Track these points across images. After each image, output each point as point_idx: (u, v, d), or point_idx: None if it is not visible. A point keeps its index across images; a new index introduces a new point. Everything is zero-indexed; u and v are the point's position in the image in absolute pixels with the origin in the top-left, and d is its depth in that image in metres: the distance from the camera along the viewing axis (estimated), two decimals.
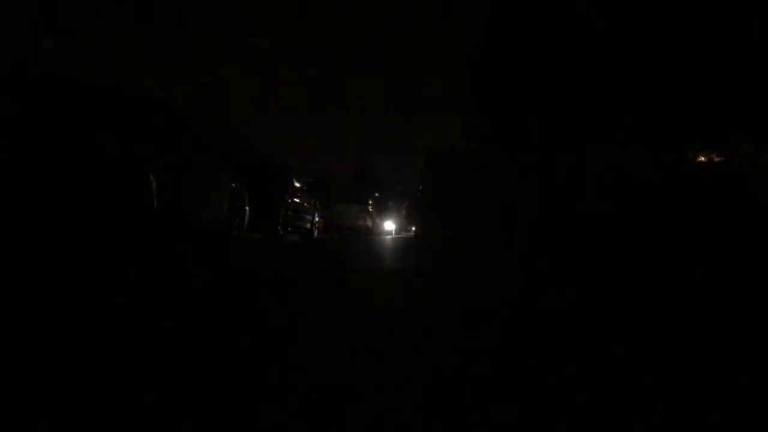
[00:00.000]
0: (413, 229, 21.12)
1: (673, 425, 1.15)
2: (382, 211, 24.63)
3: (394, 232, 24.92)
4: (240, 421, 1.06)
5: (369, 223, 19.81)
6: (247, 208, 6.84)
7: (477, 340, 1.92)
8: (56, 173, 3.37)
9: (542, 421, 1.12)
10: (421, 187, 11.27)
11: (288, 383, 1.32)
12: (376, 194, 24.87)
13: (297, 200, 9.50)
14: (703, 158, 12.97)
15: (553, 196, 9.90)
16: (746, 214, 9.04)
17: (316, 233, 10.83)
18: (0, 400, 1.12)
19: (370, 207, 20.40)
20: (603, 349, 1.85)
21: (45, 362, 1.40)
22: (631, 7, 12.22)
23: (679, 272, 5.71)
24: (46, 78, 4.25)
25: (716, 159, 12.77)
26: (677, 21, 11.72)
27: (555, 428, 1.10)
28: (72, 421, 1.03)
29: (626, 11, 12.25)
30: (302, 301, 2.77)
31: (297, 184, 9.64)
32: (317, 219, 11.16)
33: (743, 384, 1.48)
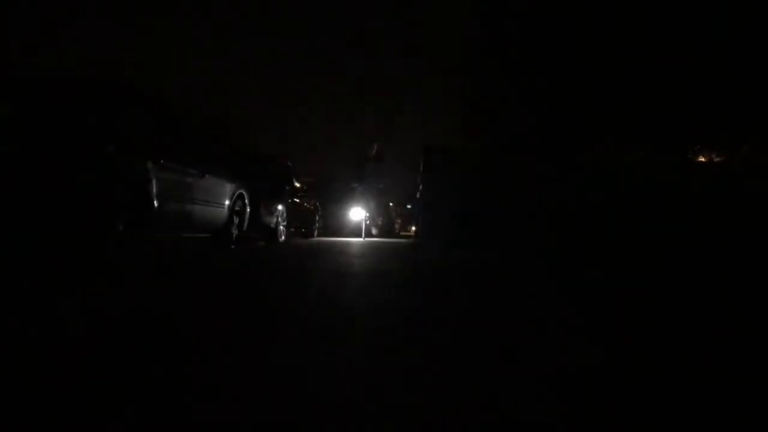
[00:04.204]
0: (413, 228, 21.09)
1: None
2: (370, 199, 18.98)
3: (364, 233, 14.05)
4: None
5: (368, 222, 19.86)
6: (247, 208, 6.85)
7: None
8: (56, 173, 3.37)
9: None
10: (420, 187, 11.29)
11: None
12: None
13: (297, 200, 9.51)
14: (703, 158, 12.96)
15: (551, 196, 9.91)
16: (746, 214, 9.04)
17: (316, 233, 10.85)
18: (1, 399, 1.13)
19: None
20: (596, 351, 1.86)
21: (42, 362, 1.41)
22: (631, 7, 12.22)
23: (678, 272, 5.72)
24: (45, 77, 4.25)
25: (716, 159, 12.77)
26: (677, 21, 11.72)
27: None
28: (72, 420, 1.04)
29: (626, 11, 12.25)
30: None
31: (297, 184, 9.65)
32: (317, 219, 11.18)
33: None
